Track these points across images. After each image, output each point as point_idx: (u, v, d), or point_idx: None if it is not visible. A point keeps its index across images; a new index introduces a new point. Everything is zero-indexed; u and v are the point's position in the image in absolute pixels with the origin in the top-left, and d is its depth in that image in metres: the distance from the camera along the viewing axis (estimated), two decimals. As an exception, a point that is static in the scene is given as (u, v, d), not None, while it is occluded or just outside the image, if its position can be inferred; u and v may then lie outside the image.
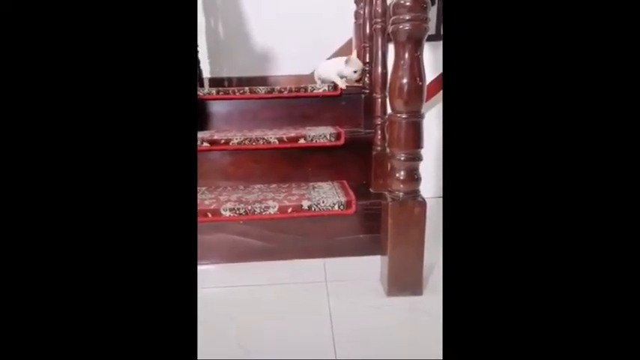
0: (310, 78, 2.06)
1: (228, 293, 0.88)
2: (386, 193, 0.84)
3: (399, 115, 0.78)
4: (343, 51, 2.00)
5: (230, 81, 2.14)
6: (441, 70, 1.48)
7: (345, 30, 2.02)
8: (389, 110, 0.82)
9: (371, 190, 1.12)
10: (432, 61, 1.46)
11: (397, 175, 0.80)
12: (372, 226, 1.03)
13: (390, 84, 0.78)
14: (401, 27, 0.73)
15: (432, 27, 1.16)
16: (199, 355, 0.65)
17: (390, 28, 0.75)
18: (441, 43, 1.46)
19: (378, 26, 1.04)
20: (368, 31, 1.24)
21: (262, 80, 2.10)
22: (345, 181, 1.20)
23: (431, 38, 1.43)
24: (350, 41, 1.99)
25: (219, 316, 0.79)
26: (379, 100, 1.07)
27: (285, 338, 0.72)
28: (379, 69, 1.05)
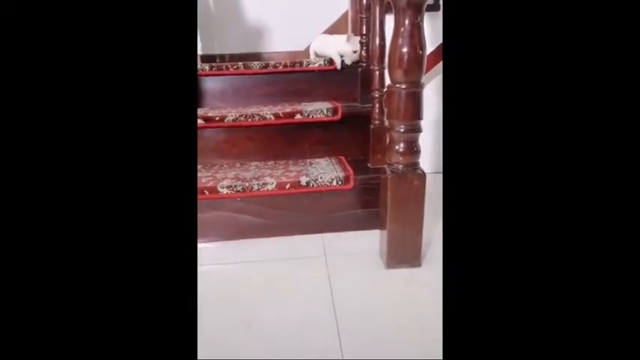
0: (305, 54, 2.01)
1: (228, 270, 0.88)
2: (385, 166, 0.83)
3: (398, 85, 0.76)
4: (339, 24, 1.94)
5: (222, 58, 2.08)
6: (439, 42, 1.45)
7: (340, 3, 1.96)
8: (387, 82, 0.79)
9: (369, 165, 1.11)
10: (430, 31, 1.42)
11: (396, 147, 0.79)
12: (370, 200, 1.03)
13: (390, 54, 0.76)
14: (400, -8, 0.70)
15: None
16: (203, 334, 0.65)
17: (389, -6, 0.72)
18: (439, 13, 1.43)
19: (376, -5, 1.00)
20: (365, 1, 1.20)
21: (255, 57, 2.05)
22: (342, 157, 1.19)
23: (429, 8, 1.39)
24: (346, 14, 1.93)
25: (220, 293, 0.79)
26: (377, 72, 1.04)
27: (287, 312, 0.72)
28: (377, 40, 1.02)
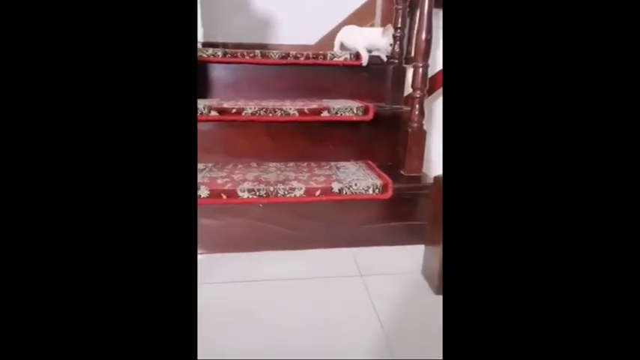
0: (315, 48, 1.89)
1: (253, 289, 0.76)
2: (438, 176, 0.73)
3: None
4: (354, 17, 1.83)
5: (225, 47, 1.93)
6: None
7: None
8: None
9: (402, 172, 1.00)
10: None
11: (458, 156, 0.69)
12: (407, 213, 0.93)
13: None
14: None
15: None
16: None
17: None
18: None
19: (425, -16, 0.89)
20: (402, -9, 1.09)
21: (262, 48, 1.91)
22: (370, 162, 1.08)
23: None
24: (362, 8, 1.83)
25: (244, 316, 0.67)
26: (420, 70, 0.93)
27: (329, 344, 0.60)
28: (423, 35, 0.91)
